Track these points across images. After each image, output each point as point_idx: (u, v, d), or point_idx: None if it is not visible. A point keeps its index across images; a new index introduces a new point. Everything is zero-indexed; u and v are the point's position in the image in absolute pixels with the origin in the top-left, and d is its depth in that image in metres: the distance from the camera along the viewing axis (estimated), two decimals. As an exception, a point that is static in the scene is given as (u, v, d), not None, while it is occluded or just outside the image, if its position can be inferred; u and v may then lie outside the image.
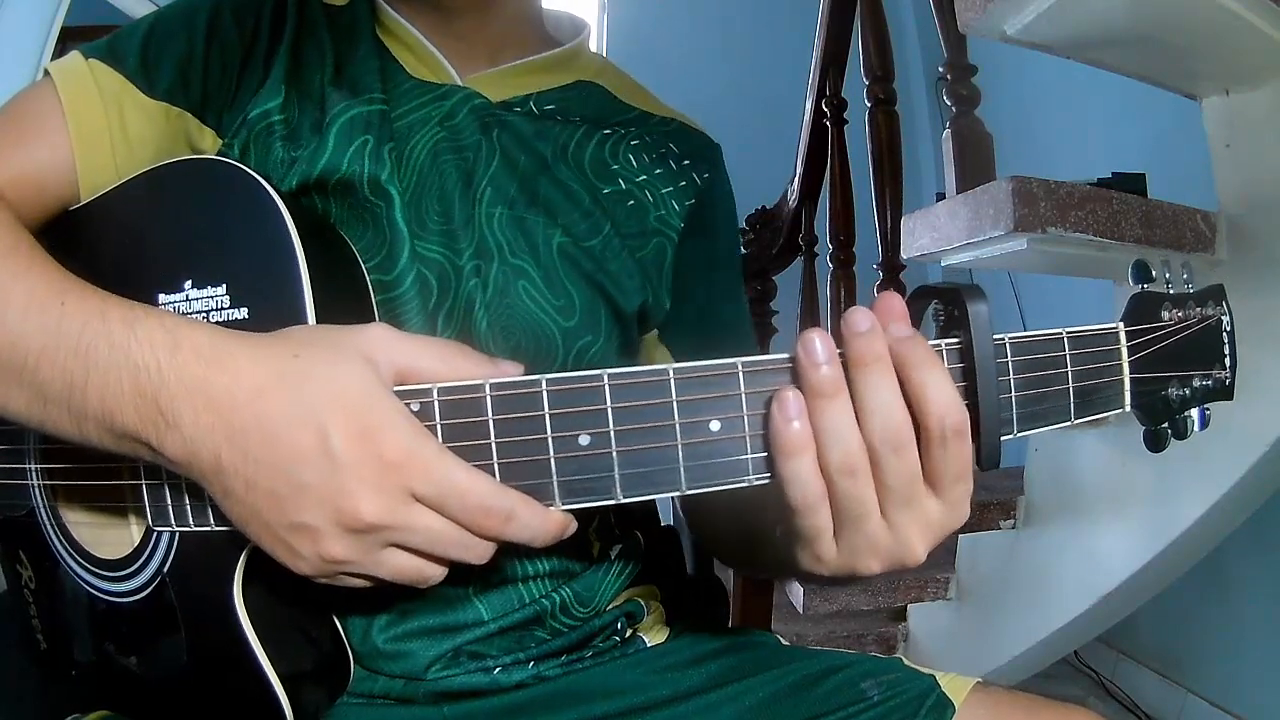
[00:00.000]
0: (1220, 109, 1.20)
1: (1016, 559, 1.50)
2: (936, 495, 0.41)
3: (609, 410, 0.40)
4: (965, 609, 1.59)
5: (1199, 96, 1.23)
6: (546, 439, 0.40)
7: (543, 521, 0.41)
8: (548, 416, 0.40)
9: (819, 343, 0.39)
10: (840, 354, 0.39)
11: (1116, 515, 1.34)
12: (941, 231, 1.21)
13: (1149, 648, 2.12)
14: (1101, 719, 0.54)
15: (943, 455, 0.40)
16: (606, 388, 0.40)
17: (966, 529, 1.50)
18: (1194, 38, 1.08)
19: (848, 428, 0.39)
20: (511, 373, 0.43)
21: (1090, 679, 2.21)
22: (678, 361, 0.41)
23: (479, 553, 0.41)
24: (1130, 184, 1.22)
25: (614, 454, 0.40)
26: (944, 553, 1.62)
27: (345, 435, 0.38)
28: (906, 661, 0.60)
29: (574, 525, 0.42)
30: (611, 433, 0.40)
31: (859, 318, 0.39)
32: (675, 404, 0.40)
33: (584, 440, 0.40)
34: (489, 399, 0.41)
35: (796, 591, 1.55)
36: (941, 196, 1.28)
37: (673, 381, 0.40)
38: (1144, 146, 2.06)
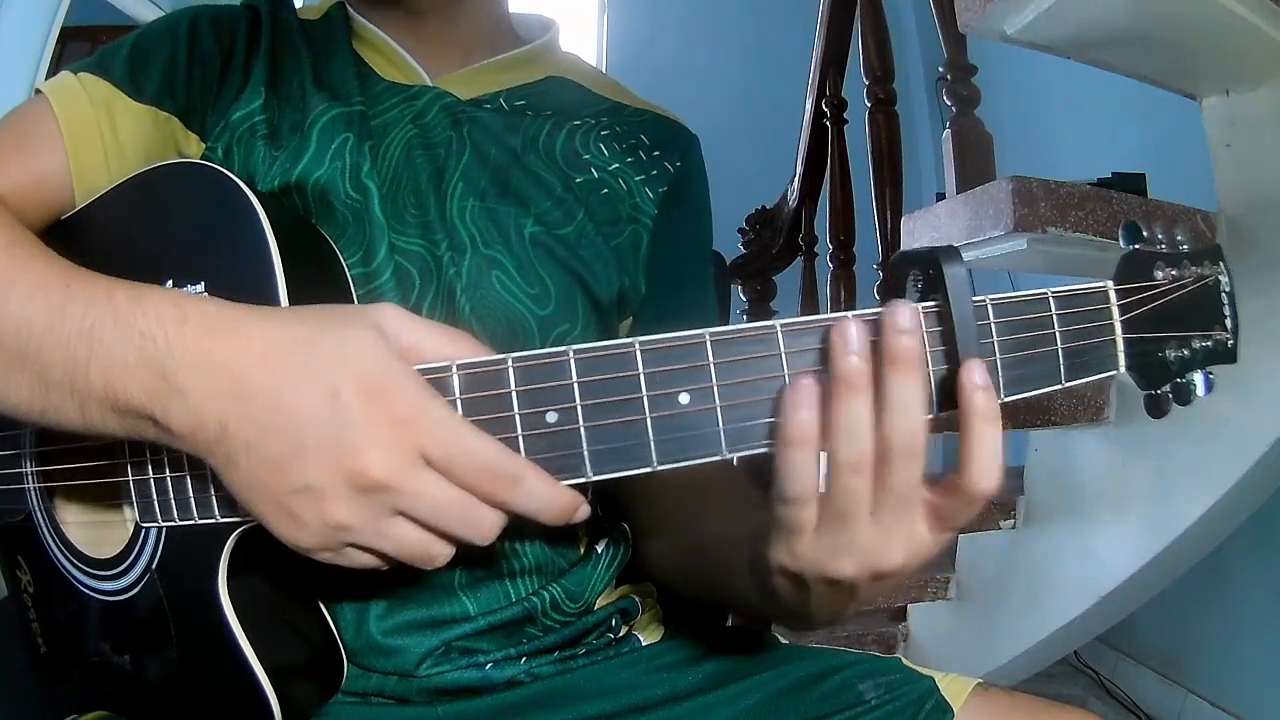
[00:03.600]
0: (1220, 109, 1.20)
1: (1016, 559, 1.50)
2: (931, 528, 0.40)
3: (575, 385, 0.39)
4: (965, 609, 1.59)
5: (1199, 96, 1.23)
6: (514, 416, 0.40)
7: (553, 494, 0.40)
8: (514, 394, 0.40)
9: (854, 330, 0.38)
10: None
11: (1116, 515, 1.34)
12: (941, 231, 1.21)
13: (1149, 648, 2.11)
14: None
15: (965, 510, 0.39)
16: (572, 363, 0.39)
17: (966, 529, 1.50)
18: (1194, 38, 1.08)
19: (867, 424, 0.38)
20: None
21: (1090, 679, 2.21)
22: None
23: (485, 529, 0.40)
24: (1130, 184, 1.22)
25: (582, 430, 0.40)
26: (944, 553, 1.62)
27: (355, 394, 0.38)
28: (906, 662, 0.59)
29: (586, 510, 0.41)
30: (578, 408, 0.39)
31: (906, 314, 0.38)
32: (642, 377, 0.39)
33: (551, 417, 0.40)
34: (455, 378, 0.40)
35: (796, 591, 1.54)
36: (941, 196, 1.28)
37: (639, 354, 0.39)
38: (1144, 146, 2.06)
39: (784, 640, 0.65)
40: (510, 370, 0.40)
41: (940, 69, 1.40)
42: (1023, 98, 2.52)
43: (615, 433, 0.40)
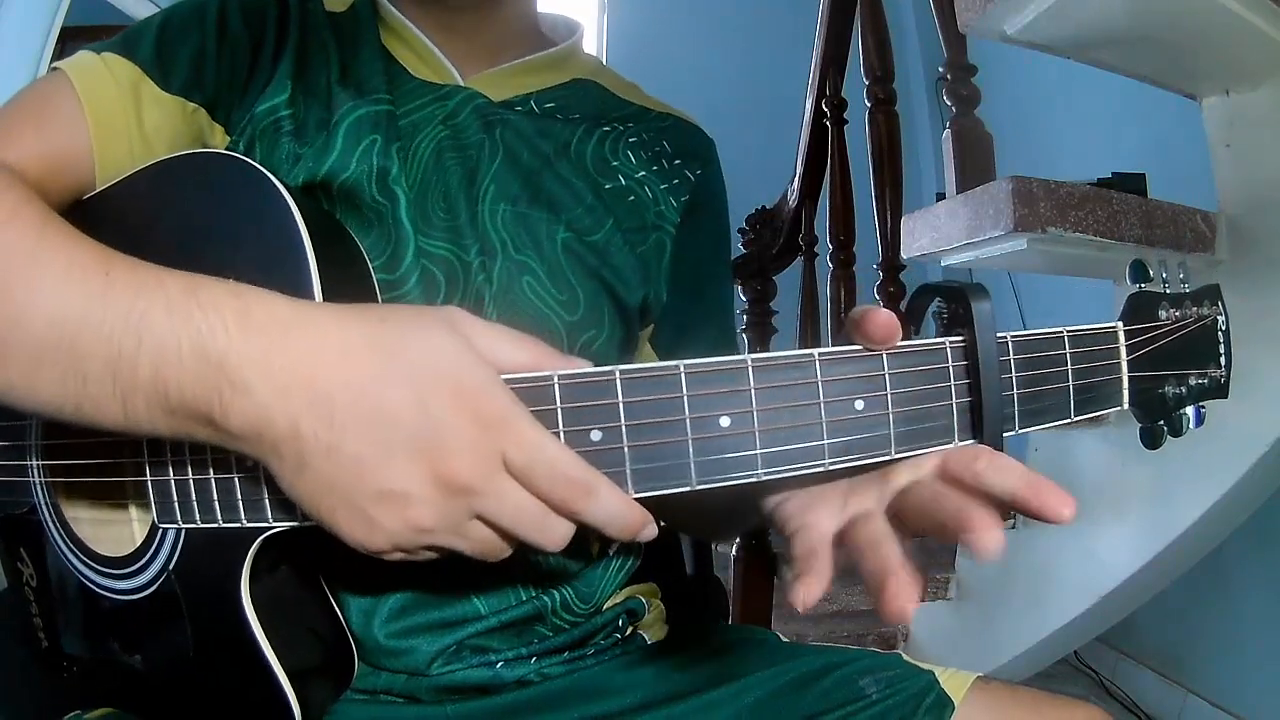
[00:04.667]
0: (1220, 109, 1.20)
1: (1016, 559, 1.50)
2: None
3: (620, 405, 0.40)
4: (965, 609, 1.59)
5: (1199, 96, 1.23)
6: (559, 434, 0.40)
7: (624, 508, 0.39)
8: (560, 411, 0.40)
9: None
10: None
11: (1116, 515, 1.34)
12: (941, 231, 1.21)
13: (1149, 648, 2.12)
14: (1102, 713, 0.54)
15: None
16: (618, 383, 0.40)
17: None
18: (1194, 38, 1.08)
19: None
20: (581, 367, 0.42)
21: (1090, 679, 2.21)
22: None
23: (556, 536, 0.40)
24: (1130, 184, 1.22)
25: (625, 449, 0.40)
26: (944, 553, 1.62)
27: (441, 397, 0.37)
28: (906, 657, 0.60)
29: (654, 529, 0.41)
30: (623, 428, 0.40)
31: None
32: (686, 399, 0.40)
33: (595, 436, 0.40)
34: None
35: (796, 591, 1.54)
36: (941, 196, 1.28)
37: (683, 377, 0.40)
38: (1144, 146, 2.06)
39: (785, 639, 0.66)
40: (555, 387, 0.40)
41: (940, 69, 1.40)
42: (1023, 98, 2.52)
43: (657, 452, 0.40)
